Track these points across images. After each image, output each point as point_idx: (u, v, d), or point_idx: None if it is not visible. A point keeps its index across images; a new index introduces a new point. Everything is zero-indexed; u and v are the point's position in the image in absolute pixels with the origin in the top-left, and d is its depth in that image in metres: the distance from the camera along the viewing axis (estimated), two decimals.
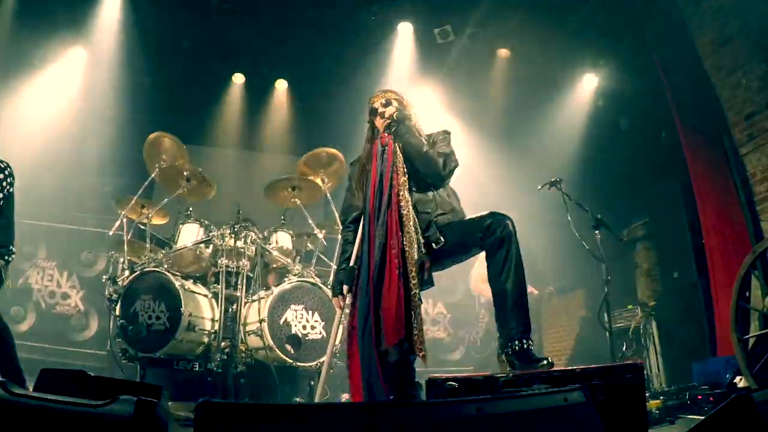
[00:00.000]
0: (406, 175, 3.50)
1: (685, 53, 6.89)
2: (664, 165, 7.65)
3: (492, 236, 3.27)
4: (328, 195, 6.83)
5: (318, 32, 8.72)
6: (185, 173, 6.31)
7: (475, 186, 8.01)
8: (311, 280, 5.87)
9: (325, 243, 6.61)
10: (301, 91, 9.95)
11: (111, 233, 6.12)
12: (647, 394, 4.27)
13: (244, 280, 5.84)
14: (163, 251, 6.09)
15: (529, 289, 6.91)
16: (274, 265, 6.53)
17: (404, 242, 3.27)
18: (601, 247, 5.63)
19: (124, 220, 6.17)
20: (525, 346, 3.08)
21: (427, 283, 3.43)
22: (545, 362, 2.99)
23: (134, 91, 8.70)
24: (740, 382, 4.44)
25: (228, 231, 5.97)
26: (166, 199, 6.56)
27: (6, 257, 3.89)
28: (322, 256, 6.68)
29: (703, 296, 6.50)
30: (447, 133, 3.82)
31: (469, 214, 3.68)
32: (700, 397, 4.42)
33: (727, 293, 5.12)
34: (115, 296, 5.51)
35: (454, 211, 3.69)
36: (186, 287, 5.53)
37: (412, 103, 3.99)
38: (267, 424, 1.37)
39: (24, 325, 7.51)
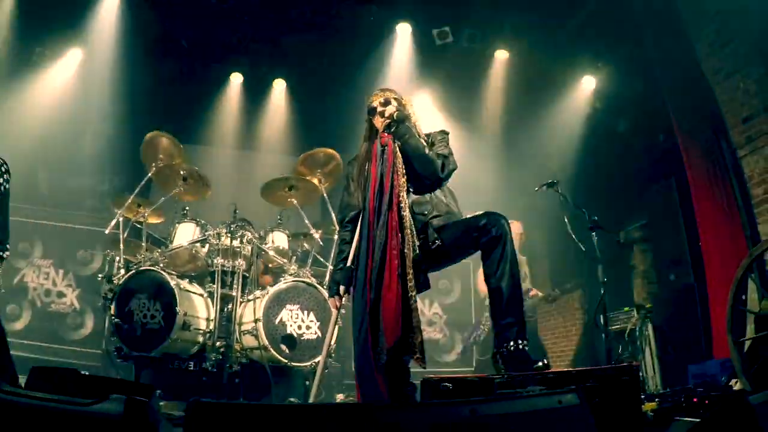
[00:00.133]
0: (405, 176, 3.48)
1: (683, 56, 6.89)
2: (661, 167, 7.66)
3: (487, 235, 3.27)
4: (325, 195, 6.83)
5: (316, 32, 8.71)
6: (182, 172, 6.30)
7: (472, 187, 8.00)
8: (307, 280, 5.86)
9: (321, 243, 6.61)
10: (299, 91, 9.92)
11: (107, 231, 6.12)
12: (643, 396, 4.26)
13: (240, 280, 5.83)
14: (159, 250, 6.08)
15: (533, 291, 6.93)
16: (270, 265, 6.52)
17: (403, 244, 3.26)
18: (597, 249, 5.63)
19: (121, 218, 6.17)
20: (520, 346, 3.08)
21: (423, 285, 3.43)
22: (540, 363, 2.99)
23: (132, 89, 8.67)
24: (736, 384, 4.43)
25: (224, 230, 5.97)
26: (162, 198, 6.56)
27: (0, 254, 3.87)
28: (318, 256, 6.67)
29: (699, 299, 6.51)
30: (445, 133, 3.80)
31: (466, 215, 3.67)
32: (695, 399, 4.40)
33: (723, 296, 5.11)
34: (110, 295, 5.51)
35: (450, 212, 3.68)
36: (181, 286, 5.52)
37: (411, 103, 3.97)
38: (257, 424, 1.36)
39: (19, 324, 7.48)
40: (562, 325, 9.23)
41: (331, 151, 6.78)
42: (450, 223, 3.57)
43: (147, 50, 8.65)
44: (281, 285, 5.71)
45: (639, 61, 7.83)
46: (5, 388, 1.37)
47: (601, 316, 5.49)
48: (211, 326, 5.58)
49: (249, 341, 5.56)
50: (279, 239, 6.45)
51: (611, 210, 7.76)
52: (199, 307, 5.67)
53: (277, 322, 5.50)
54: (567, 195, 5.92)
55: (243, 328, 5.61)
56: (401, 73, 8.78)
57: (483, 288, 8.08)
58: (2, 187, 3.83)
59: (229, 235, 5.91)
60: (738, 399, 3.29)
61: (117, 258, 6.04)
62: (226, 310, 5.80)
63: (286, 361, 5.40)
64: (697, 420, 3.12)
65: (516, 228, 7.00)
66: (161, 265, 5.74)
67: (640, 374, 6.11)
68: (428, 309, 8.23)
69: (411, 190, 3.56)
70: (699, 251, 6.60)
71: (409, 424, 1.51)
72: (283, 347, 5.42)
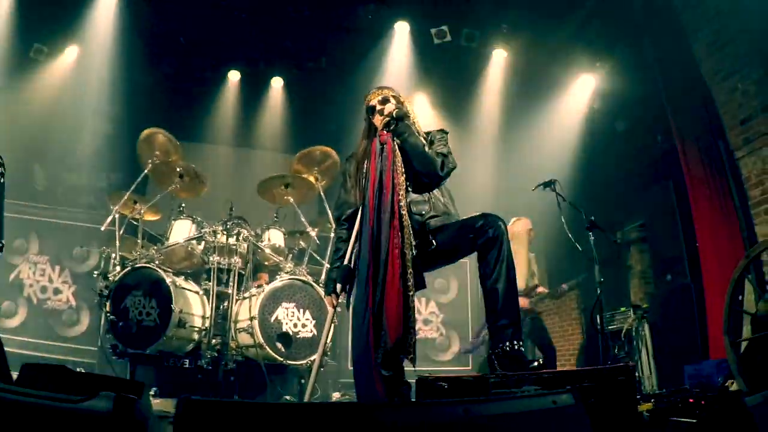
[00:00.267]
0: (404, 175, 3.46)
1: (681, 56, 6.88)
2: (659, 168, 7.66)
3: (484, 236, 3.26)
4: (322, 193, 6.83)
5: (315, 30, 8.71)
6: (178, 169, 6.29)
7: (469, 186, 8.00)
8: (303, 278, 5.85)
9: (317, 241, 6.61)
10: (296, 89, 9.91)
11: (103, 228, 6.10)
12: (639, 397, 4.25)
13: (236, 277, 5.82)
14: (155, 247, 6.06)
15: (540, 288, 6.93)
16: (266, 263, 6.51)
17: (403, 243, 3.24)
18: (594, 249, 5.62)
19: (117, 215, 6.15)
20: (516, 347, 3.07)
21: (419, 284, 3.41)
22: (536, 363, 2.98)
23: (129, 87, 8.67)
24: (732, 385, 4.43)
25: (220, 228, 5.95)
26: (158, 195, 6.54)
27: None
28: (315, 254, 6.66)
29: (696, 299, 6.51)
30: (444, 132, 3.76)
31: (463, 214, 3.66)
32: (691, 400, 4.40)
33: (719, 296, 5.11)
34: (106, 292, 5.49)
35: (447, 213, 3.67)
36: (177, 284, 5.51)
37: (410, 101, 3.94)
38: (248, 422, 1.34)
39: (15, 320, 7.46)
40: (559, 325, 9.23)
41: (327, 149, 6.78)
42: (447, 224, 3.57)
43: (145, 47, 8.66)
44: (277, 283, 5.70)
45: (638, 62, 7.83)
46: None
47: (598, 316, 5.48)
48: (207, 324, 5.56)
49: (244, 339, 5.55)
50: (275, 237, 6.44)
51: (608, 210, 7.75)
52: (194, 305, 5.65)
53: (272, 320, 5.50)
54: (564, 195, 5.91)
55: (238, 325, 5.60)
56: (399, 72, 8.78)
57: None
58: None
59: (225, 232, 5.90)
60: (734, 400, 3.28)
61: (113, 255, 6.02)
62: (221, 307, 5.78)
63: (281, 359, 5.39)
64: (693, 421, 3.12)
65: (525, 224, 7.01)
66: (157, 262, 5.73)
67: (636, 374, 6.11)
68: (424, 308, 8.21)
69: (410, 189, 3.54)
70: (696, 252, 6.60)
71: (402, 423, 1.50)
72: (279, 345, 5.41)
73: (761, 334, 4.08)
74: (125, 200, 6.25)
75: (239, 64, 9.56)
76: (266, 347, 5.35)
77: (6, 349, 3.64)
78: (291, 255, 6.44)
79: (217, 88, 9.68)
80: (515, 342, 3.08)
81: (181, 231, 6.13)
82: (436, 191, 3.72)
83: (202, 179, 6.47)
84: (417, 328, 3.28)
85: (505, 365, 3.03)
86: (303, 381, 5.57)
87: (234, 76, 9.69)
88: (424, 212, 3.58)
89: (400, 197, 3.33)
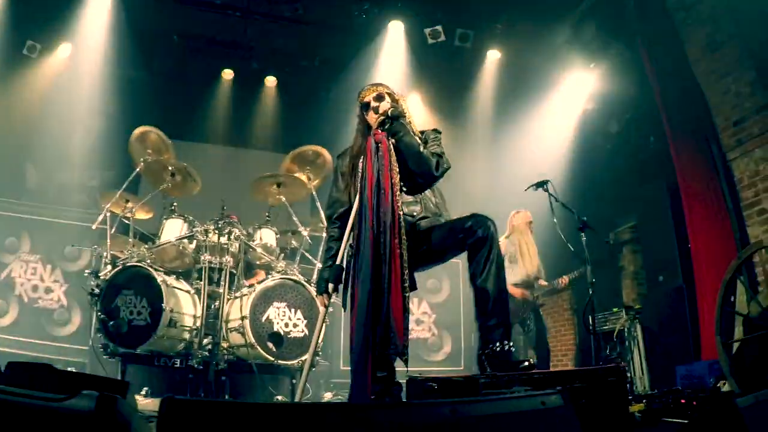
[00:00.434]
0: (399, 174, 3.43)
1: (675, 58, 6.90)
2: (652, 169, 7.67)
3: (473, 236, 3.25)
4: (314, 193, 6.82)
5: (308, 29, 8.69)
6: (170, 168, 6.26)
7: (462, 186, 7.99)
8: (295, 277, 5.83)
9: (309, 241, 6.59)
10: (289, 88, 9.90)
11: (94, 227, 6.08)
12: (630, 397, 4.25)
13: (227, 277, 5.79)
14: (147, 246, 6.03)
15: (540, 281, 6.93)
16: (258, 262, 6.49)
17: (401, 243, 3.22)
18: (586, 250, 5.62)
19: (108, 214, 6.12)
20: (506, 347, 3.06)
21: (411, 285, 3.39)
22: (526, 363, 2.97)
23: (122, 85, 8.65)
24: (724, 386, 4.44)
25: (211, 227, 5.93)
26: (150, 194, 6.52)
27: None
28: (306, 254, 6.64)
29: (688, 300, 6.51)
30: (438, 132, 3.74)
31: (456, 214, 3.65)
32: (683, 401, 4.40)
33: (712, 297, 5.12)
34: (96, 290, 5.46)
35: (438, 214, 3.68)
36: (168, 283, 5.47)
37: (405, 99, 3.89)
38: (233, 423, 1.33)
39: (6, 319, 7.41)
40: (552, 325, 9.23)
41: (320, 148, 6.77)
42: (436, 225, 3.56)
43: (138, 45, 8.62)
44: (268, 282, 5.68)
45: (631, 63, 7.84)
46: None
47: (590, 317, 5.48)
48: (198, 323, 5.52)
49: (236, 339, 5.53)
50: (267, 236, 6.41)
51: (601, 211, 7.76)
52: (185, 304, 5.62)
53: (263, 320, 5.47)
54: (557, 195, 5.91)
55: (230, 325, 5.58)
56: (393, 71, 8.76)
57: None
58: None
59: (217, 231, 5.87)
60: (726, 401, 3.29)
61: (104, 253, 5.99)
62: (212, 307, 5.75)
63: (272, 358, 5.37)
64: (685, 421, 3.12)
65: (525, 217, 7.05)
66: (148, 261, 5.69)
67: (628, 375, 6.11)
68: (417, 308, 8.18)
69: (404, 189, 3.51)
70: (688, 253, 6.60)
71: (389, 423, 1.49)
72: (270, 345, 5.39)
73: (753, 335, 4.09)
74: (117, 199, 6.22)
75: (232, 62, 9.54)
76: (257, 347, 5.32)
77: None
78: (283, 254, 6.42)
79: (210, 86, 9.65)
80: (505, 342, 3.07)
81: (173, 230, 6.10)
82: (427, 192, 3.71)
83: (194, 178, 6.43)
84: (410, 328, 3.28)
85: (495, 365, 3.02)
86: (294, 381, 5.56)
87: (227, 75, 9.66)
88: (415, 213, 3.58)
89: (396, 197, 3.31)
